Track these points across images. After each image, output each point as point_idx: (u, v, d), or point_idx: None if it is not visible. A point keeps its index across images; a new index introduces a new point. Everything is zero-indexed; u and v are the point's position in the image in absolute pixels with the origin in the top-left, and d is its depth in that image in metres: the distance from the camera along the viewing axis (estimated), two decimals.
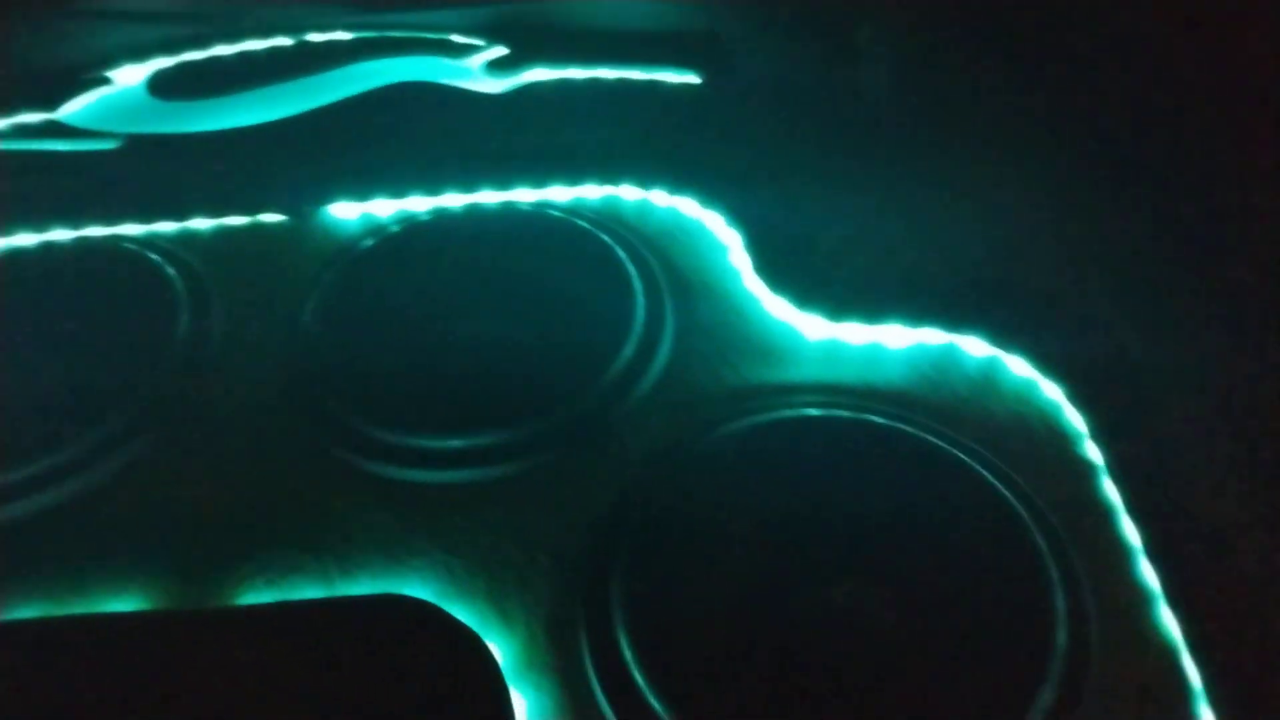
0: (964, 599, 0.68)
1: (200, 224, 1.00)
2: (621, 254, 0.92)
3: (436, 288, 0.91)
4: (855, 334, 0.87)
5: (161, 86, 1.17)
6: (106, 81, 1.17)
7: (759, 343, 0.87)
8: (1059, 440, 0.79)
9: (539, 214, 0.98)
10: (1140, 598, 0.70)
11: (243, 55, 1.20)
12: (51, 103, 1.14)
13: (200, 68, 1.19)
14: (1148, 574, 0.71)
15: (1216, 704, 0.64)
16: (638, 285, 0.89)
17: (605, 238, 0.94)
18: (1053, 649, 0.65)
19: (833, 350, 0.86)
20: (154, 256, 0.95)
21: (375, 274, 0.94)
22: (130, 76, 1.18)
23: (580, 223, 0.96)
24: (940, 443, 0.76)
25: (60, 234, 0.99)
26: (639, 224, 0.98)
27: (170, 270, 0.93)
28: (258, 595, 0.72)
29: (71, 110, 1.14)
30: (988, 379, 0.83)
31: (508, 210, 0.99)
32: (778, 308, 0.89)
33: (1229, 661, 0.66)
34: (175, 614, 0.71)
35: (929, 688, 0.64)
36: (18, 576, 0.73)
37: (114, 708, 0.65)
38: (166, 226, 1.00)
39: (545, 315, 0.88)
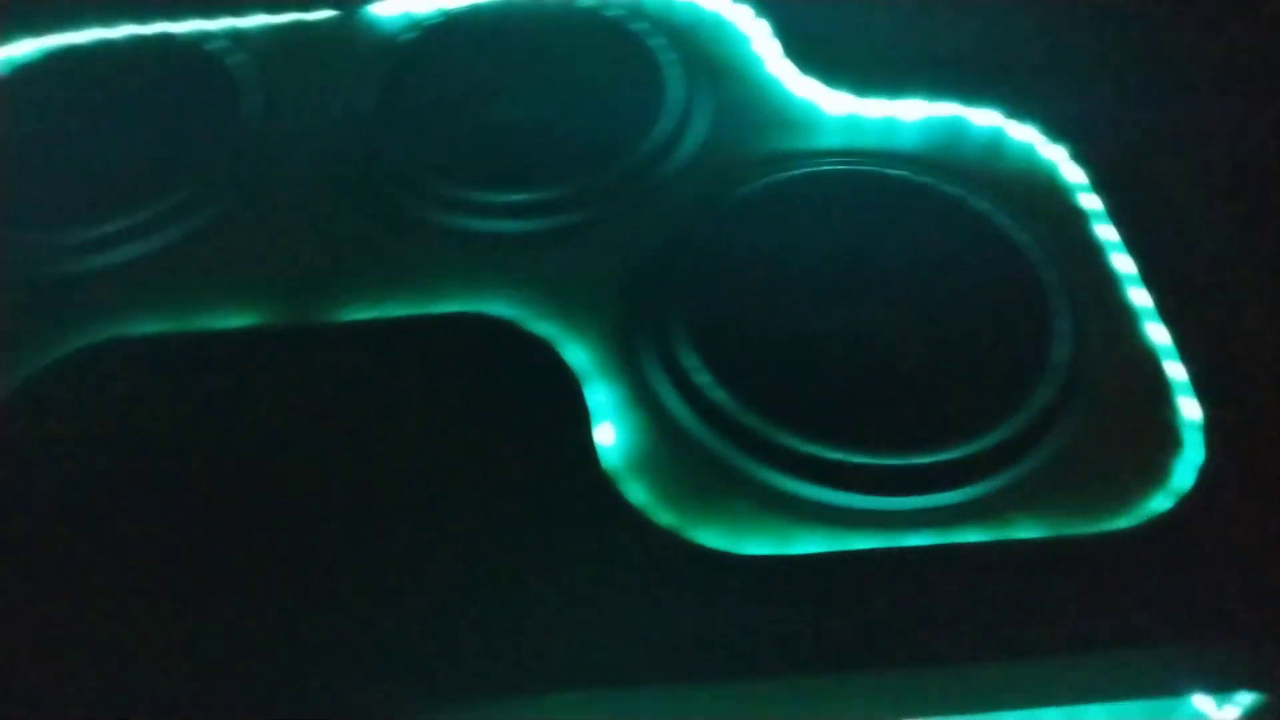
0: (972, 319, 0.78)
1: (252, 21, 1.06)
2: (651, 39, 0.99)
3: (478, 73, 0.98)
4: (873, 108, 0.95)
5: None
6: None
7: (784, 117, 0.95)
8: (1059, 192, 0.88)
9: (572, 6, 1.04)
10: (1130, 316, 0.80)
11: None
12: None
13: None
14: (1137, 298, 0.81)
15: (1201, 395, 0.75)
16: (670, 67, 0.96)
17: (634, 26, 1.00)
18: (1049, 359, 0.75)
19: (852, 123, 0.94)
20: (214, 48, 1.00)
21: (423, 64, 1.00)
22: None
23: (610, 14, 1.02)
24: (950, 190, 0.85)
25: (129, 29, 1.05)
26: (664, 16, 1.04)
27: (231, 60, 0.99)
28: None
29: None
30: (994, 144, 0.92)
31: (541, 4, 1.05)
32: (803, 88, 0.97)
33: (1211, 363, 0.76)
34: (279, 328, 0.79)
35: (942, 387, 0.74)
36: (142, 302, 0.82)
37: (225, 412, 0.74)
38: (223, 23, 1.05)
39: (584, 95, 0.96)
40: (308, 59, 1.02)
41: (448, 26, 1.03)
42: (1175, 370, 0.76)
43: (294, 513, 0.69)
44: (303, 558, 0.67)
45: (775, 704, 0.64)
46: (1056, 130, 0.92)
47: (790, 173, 0.87)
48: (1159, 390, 0.75)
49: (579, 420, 0.72)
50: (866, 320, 0.78)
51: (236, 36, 1.04)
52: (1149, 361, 0.76)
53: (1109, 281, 0.81)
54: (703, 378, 0.73)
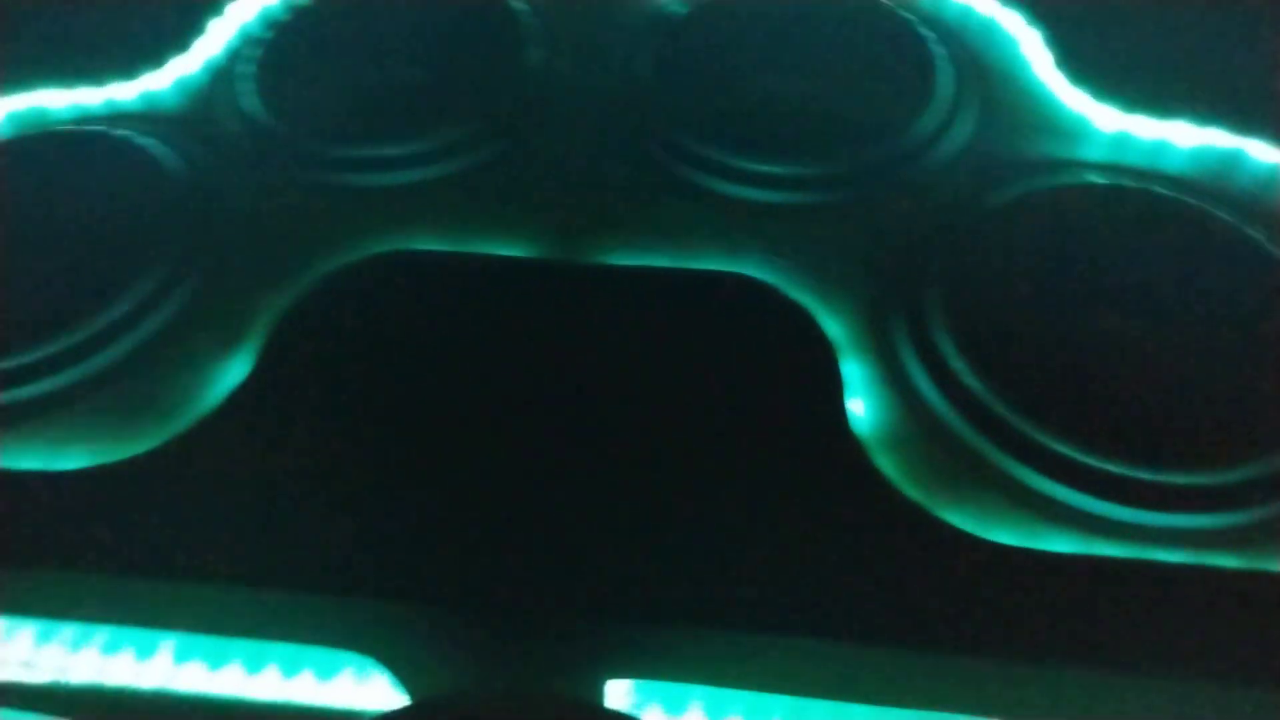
0: (1241, 349, 0.76)
1: None
2: (922, 30, 1.00)
3: (750, 49, 1.01)
4: (1143, 127, 0.94)
5: None
6: None
7: (1051, 125, 0.95)
8: None
9: None
10: None
11: None
12: None
13: None
14: None
15: None
16: (940, 60, 0.97)
17: (906, 16, 1.02)
18: None
19: (1121, 140, 0.93)
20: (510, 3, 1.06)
21: (698, 35, 1.03)
22: None
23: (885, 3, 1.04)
24: (1223, 217, 0.83)
25: None
26: (935, 13, 1.05)
27: (518, 9, 1.04)
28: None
29: None
30: (1270, 178, 0.89)
31: None
32: (1072, 99, 0.97)
33: None
34: (552, 262, 0.84)
35: (1205, 410, 0.73)
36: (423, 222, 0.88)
37: (499, 331, 0.79)
38: None
39: (852, 78, 0.98)
40: (584, 17, 1.07)
41: (720, 3, 1.06)
42: None
43: (556, 436, 0.73)
44: (555, 478, 0.71)
45: (991, 686, 0.65)
46: None
47: (1061, 180, 0.87)
48: None
49: (834, 387, 0.74)
50: (1128, 334, 0.78)
51: None
52: None
53: None
54: (958, 364, 0.74)
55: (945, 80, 0.95)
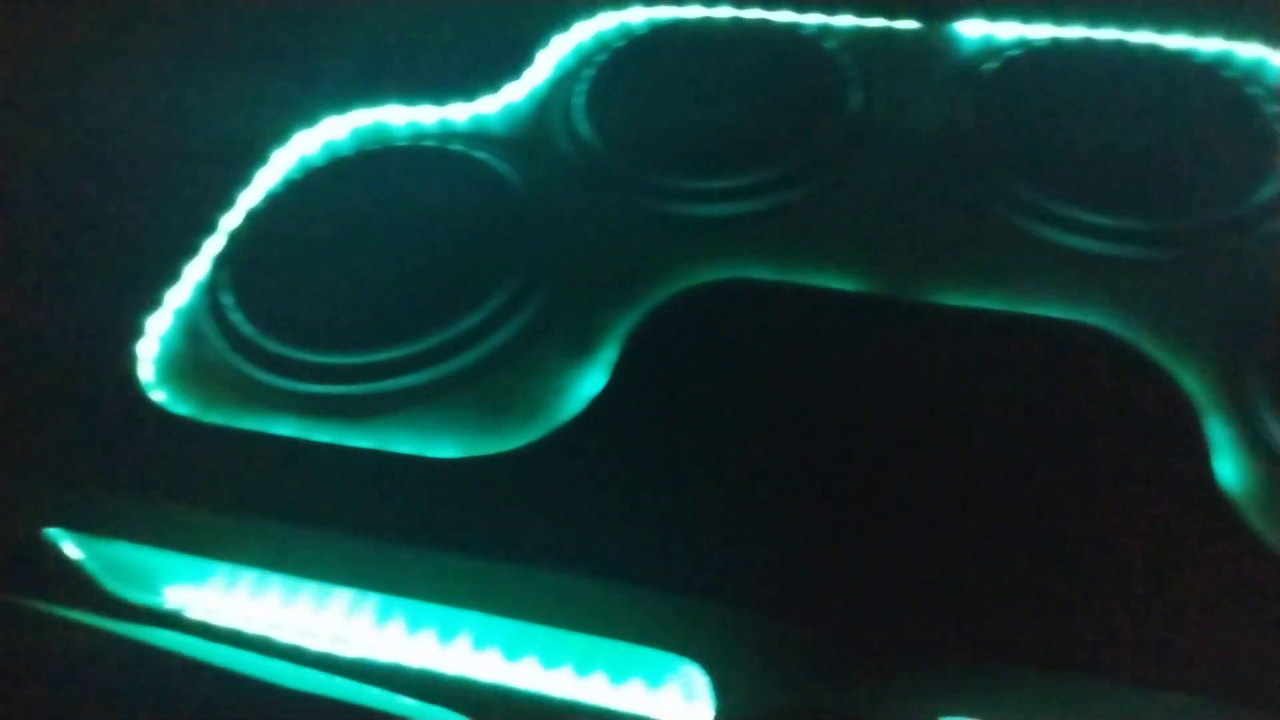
0: None
1: (842, 20, 1.16)
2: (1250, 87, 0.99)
3: (1066, 100, 1.01)
4: None
5: None
6: None
7: None
8: None
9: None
10: None
11: None
12: None
13: None
14: None
15: None
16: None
17: (1230, 75, 1.01)
18: None
19: None
20: (823, 44, 1.10)
21: (1014, 86, 1.04)
22: None
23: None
24: None
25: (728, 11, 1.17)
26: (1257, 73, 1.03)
27: (838, 55, 1.08)
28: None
29: None
30: None
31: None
32: None
33: None
34: (887, 298, 0.86)
35: None
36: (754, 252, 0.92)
37: (833, 363, 0.81)
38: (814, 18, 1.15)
39: (1183, 133, 0.97)
40: (898, 63, 1.09)
41: (1036, 55, 1.07)
42: None
43: (914, 467, 0.74)
44: (914, 508, 0.72)
45: None
46: None
47: None
48: None
49: (1198, 446, 0.73)
50: None
51: (830, 32, 1.13)
52: None
53: None
54: None
55: None
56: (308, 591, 0.82)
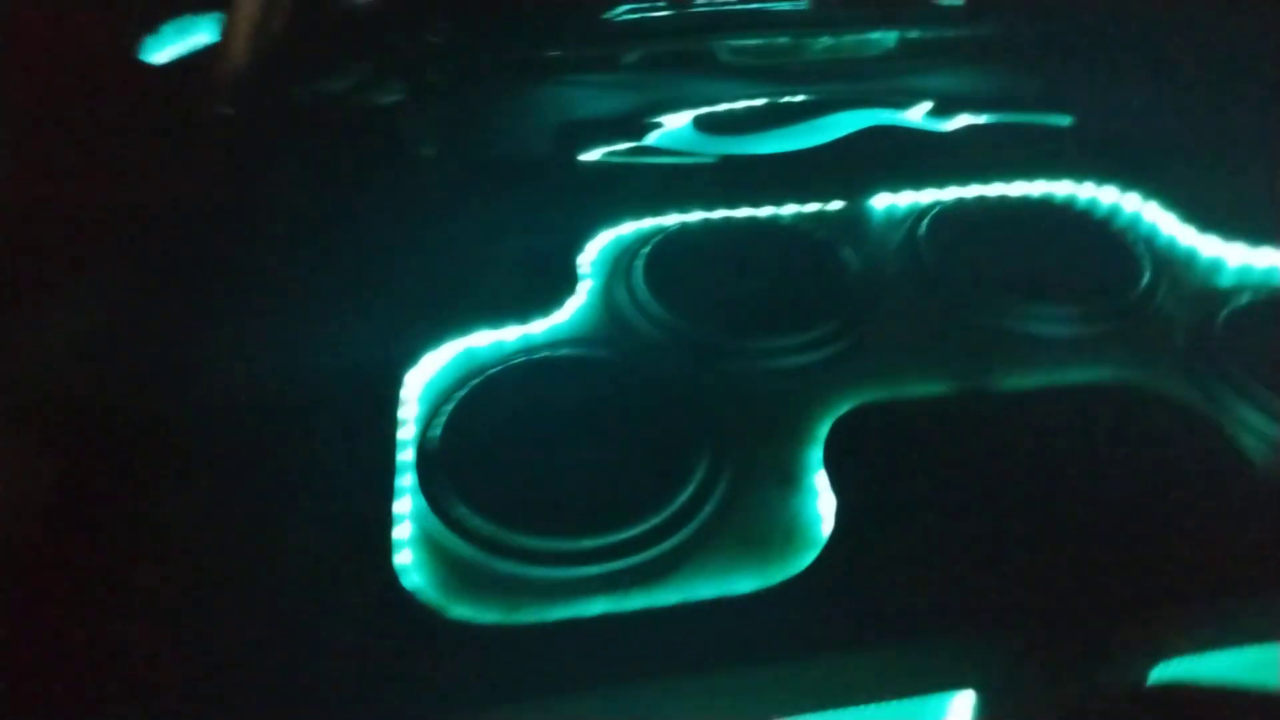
0: None
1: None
2: None
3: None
4: None
5: (704, 125, 1.63)
6: (659, 125, 1.62)
7: None
8: None
9: None
10: None
11: (749, 108, 1.67)
12: (636, 136, 1.58)
13: (731, 114, 1.65)
14: None
15: None
16: None
17: None
18: None
19: None
20: (816, 235, 1.39)
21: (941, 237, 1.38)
22: (676, 120, 1.64)
23: None
24: None
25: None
26: None
27: (827, 241, 1.37)
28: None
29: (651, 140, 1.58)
30: None
31: None
32: None
33: None
34: (976, 393, 1.13)
35: None
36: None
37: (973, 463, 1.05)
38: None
39: None
40: (849, 232, 1.41)
41: (948, 211, 1.43)
42: None
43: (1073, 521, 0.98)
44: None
45: None
46: None
47: None
48: None
49: None
50: None
51: (803, 218, 1.43)
52: None
53: None
54: None
55: None
56: None
